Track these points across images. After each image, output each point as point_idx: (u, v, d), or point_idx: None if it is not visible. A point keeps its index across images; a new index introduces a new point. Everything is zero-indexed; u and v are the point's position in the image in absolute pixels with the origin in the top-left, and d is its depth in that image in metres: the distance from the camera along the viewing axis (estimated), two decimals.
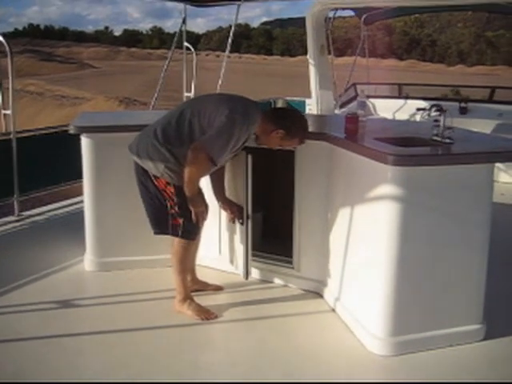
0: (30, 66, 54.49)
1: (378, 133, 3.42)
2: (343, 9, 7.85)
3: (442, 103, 3.36)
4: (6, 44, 4.99)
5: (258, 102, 3.39)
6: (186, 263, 3.39)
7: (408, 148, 2.95)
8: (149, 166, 3.21)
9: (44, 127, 5.81)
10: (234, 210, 3.60)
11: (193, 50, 7.26)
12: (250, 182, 3.44)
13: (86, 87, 39.04)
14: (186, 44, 7.16)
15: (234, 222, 3.66)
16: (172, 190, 3.20)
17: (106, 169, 3.90)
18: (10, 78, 5.08)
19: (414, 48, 68.41)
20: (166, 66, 7.14)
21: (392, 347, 2.94)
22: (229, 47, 7.56)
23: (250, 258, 3.60)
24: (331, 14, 7.85)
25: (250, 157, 3.38)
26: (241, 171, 3.46)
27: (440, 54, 66.64)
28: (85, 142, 3.90)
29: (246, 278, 3.65)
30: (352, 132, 3.35)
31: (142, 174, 3.26)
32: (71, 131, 3.86)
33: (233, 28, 7.63)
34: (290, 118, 3.30)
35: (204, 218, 3.32)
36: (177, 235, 3.30)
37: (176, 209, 3.24)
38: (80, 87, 39.50)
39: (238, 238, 3.69)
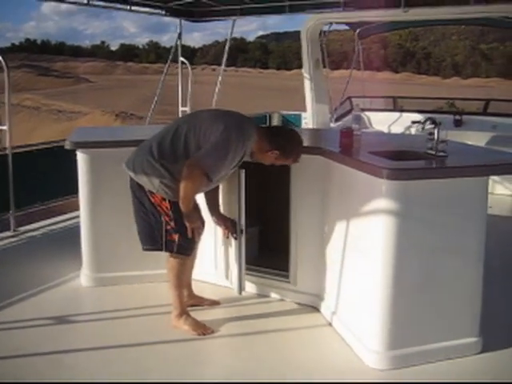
0: (26, 80, 54.62)
1: (373, 146, 3.44)
2: (337, 23, 7.92)
3: (437, 116, 3.39)
4: (1, 59, 5.02)
5: (252, 117, 3.40)
6: (183, 278, 3.39)
7: (402, 162, 2.96)
8: (144, 181, 3.21)
9: (40, 142, 5.81)
10: (228, 225, 3.59)
11: (188, 64, 7.31)
12: (243, 197, 3.44)
13: (83, 102, 39.11)
14: (181, 58, 7.21)
15: (228, 237, 3.66)
16: (167, 206, 3.20)
17: (102, 184, 3.90)
18: (7, 93, 5.10)
19: (409, 61, 68.84)
20: (161, 81, 7.20)
21: (389, 361, 2.94)
22: (224, 61, 7.62)
23: (243, 272, 3.58)
24: (326, 28, 7.92)
25: (242, 172, 3.38)
26: (234, 186, 3.47)
27: (435, 66, 67.09)
28: (80, 157, 3.91)
29: (240, 292, 3.62)
30: (347, 146, 3.37)
31: (138, 190, 3.27)
32: (67, 147, 3.87)
33: (228, 42, 7.70)
34: (285, 138, 3.31)
35: (200, 234, 3.33)
36: (172, 251, 3.29)
37: (172, 224, 3.23)
38: (76, 101, 39.58)
39: (233, 252, 3.69)
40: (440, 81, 57.74)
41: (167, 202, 3.19)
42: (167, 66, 7.22)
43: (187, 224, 3.19)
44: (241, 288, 3.61)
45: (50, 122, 32.50)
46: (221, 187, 3.62)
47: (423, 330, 2.98)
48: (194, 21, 7.11)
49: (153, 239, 3.33)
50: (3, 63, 5.03)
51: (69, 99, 41.58)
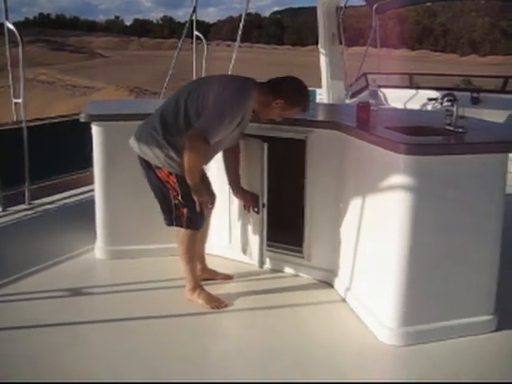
0: (41, 55, 54.60)
1: (390, 122, 3.39)
2: None
3: (454, 93, 3.32)
4: (17, 33, 5.00)
5: (252, 78, 3.27)
6: (193, 252, 3.38)
7: (421, 137, 2.92)
8: (150, 156, 3.19)
9: (54, 116, 5.81)
10: (249, 199, 3.53)
11: (203, 39, 7.23)
12: (266, 171, 3.39)
13: (97, 77, 39.08)
14: (196, 33, 7.12)
15: (248, 210, 3.61)
16: (174, 180, 3.17)
17: (117, 157, 3.90)
18: (21, 67, 5.09)
19: (425, 38, 67.77)
20: (175, 56, 7.12)
21: (403, 337, 2.93)
22: (239, 36, 7.51)
23: (264, 246, 3.55)
24: (342, 3, 7.78)
25: (265, 145, 3.33)
26: (254, 160, 3.43)
27: (452, 43, 66.02)
28: (95, 130, 3.90)
29: (261, 266, 3.59)
30: (363, 121, 3.32)
31: (145, 166, 3.26)
32: (82, 119, 3.87)
33: (243, 17, 7.59)
34: (288, 86, 3.16)
35: (208, 207, 3.29)
36: (181, 225, 3.29)
37: (179, 199, 3.21)
38: (91, 77, 39.55)
39: (248, 226, 3.68)
40: (457, 58, 56.85)
41: (174, 175, 3.16)
42: (181, 40, 7.13)
43: (195, 198, 3.16)
44: (262, 262, 3.58)
45: (64, 97, 32.58)
46: (241, 161, 3.58)
47: (437, 307, 2.97)
48: None
49: (167, 214, 3.33)
50: (18, 38, 5.01)
51: (83, 74, 41.57)
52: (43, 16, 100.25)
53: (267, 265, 3.84)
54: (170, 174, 3.17)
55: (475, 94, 7.57)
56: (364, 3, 8.90)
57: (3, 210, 5.08)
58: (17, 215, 5.03)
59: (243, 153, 3.55)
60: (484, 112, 6.17)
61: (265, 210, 3.46)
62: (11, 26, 4.98)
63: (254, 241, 3.59)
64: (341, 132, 3.37)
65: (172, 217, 3.30)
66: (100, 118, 3.89)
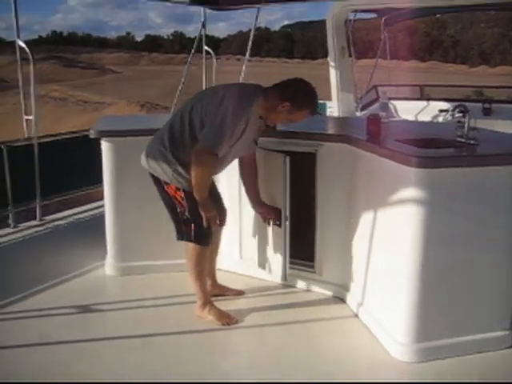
0: (53, 72, 55.23)
1: (401, 134, 3.36)
2: (363, 11, 7.77)
3: (465, 104, 3.29)
4: (28, 51, 5.04)
5: (258, 84, 3.21)
6: (202, 268, 3.35)
7: (431, 149, 2.89)
8: (159, 172, 3.18)
9: (65, 132, 5.84)
10: (270, 212, 3.47)
11: (212, 53, 7.25)
12: (288, 184, 3.34)
13: (108, 92, 39.42)
14: (205, 48, 7.15)
15: (269, 223, 3.54)
16: (182, 195, 3.16)
17: (127, 173, 3.89)
18: (32, 84, 5.13)
19: (435, 49, 67.73)
20: (185, 70, 7.14)
21: (416, 353, 2.88)
22: (249, 50, 7.52)
23: (287, 260, 3.50)
24: (352, 16, 7.78)
25: (287, 159, 3.30)
26: (275, 173, 3.39)
27: (462, 54, 65.90)
28: (105, 146, 3.90)
29: (284, 279, 3.55)
30: (374, 134, 3.29)
31: (155, 182, 3.25)
32: (91, 135, 3.87)
33: (252, 31, 7.61)
34: (294, 88, 3.06)
35: (216, 223, 3.24)
36: (190, 240, 3.26)
37: (187, 214, 3.20)
38: (102, 92, 39.90)
39: (267, 240, 3.63)
40: (467, 69, 56.73)
41: (181, 191, 3.14)
42: (191, 55, 7.16)
43: (202, 213, 3.12)
44: (285, 276, 3.53)
45: (76, 113, 32.86)
46: (260, 175, 3.51)
47: (451, 323, 2.92)
48: (217, 9, 7.02)
49: (177, 229, 3.32)
50: (29, 55, 5.06)
51: (94, 90, 41.94)
52: (55, 34, 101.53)
53: (279, 280, 3.80)
54: (178, 189, 3.16)
55: (487, 105, 7.51)
56: (373, 16, 8.88)
57: (14, 226, 5.09)
58: (28, 231, 5.03)
59: (263, 167, 3.50)
60: (496, 123, 6.11)
61: (287, 223, 3.42)
62: (22, 44, 5.03)
63: (275, 255, 3.54)
64: (351, 145, 3.35)
65: (182, 231, 3.28)
66: (109, 134, 3.89)
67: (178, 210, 3.23)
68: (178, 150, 3.11)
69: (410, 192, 2.79)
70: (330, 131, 3.42)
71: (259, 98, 3.07)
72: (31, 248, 4.63)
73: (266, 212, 3.50)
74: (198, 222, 3.19)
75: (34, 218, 5.28)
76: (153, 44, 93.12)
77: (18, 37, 5.01)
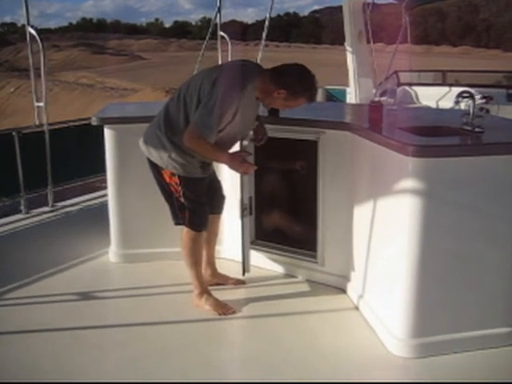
0: (82, 59, 55.76)
1: (406, 122, 3.25)
2: None
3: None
4: (38, 39, 5.06)
5: (255, 65, 3.14)
6: (197, 256, 3.31)
7: (430, 138, 2.76)
8: (155, 157, 3.14)
9: (77, 119, 5.85)
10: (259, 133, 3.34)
11: (228, 39, 7.18)
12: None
13: (136, 78, 39.65)
14: (220, 33, 7.09)
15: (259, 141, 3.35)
16: (177, 181, 3.12)
17: (129, 160, 3.86)
18: (43, 72, 5.15)
19: (468, 34, 66.20)
20: (200, 56, 7.10)
21: (413, 349, 2.79)
22: (264, 36, 7.42)
23: (248, 252, 3.51)
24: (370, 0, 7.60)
25: (248, 143, 3.26)
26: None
27: (496, 39, 64.24)
28: (107, 133, 3.88)
29: (244, 274, 3.54)
30: (376, 121, 3.17)
31: (152, 167, 3.21)
32: (94, 123, 3.85)
33: (268, 16, 7.50)
34: (291, 75, 2.94)
35: (252, 169, 3.10)
36: (185, 225, 3.24)
37: (181, 200, 3.17)
38: (129, 79, 40.15)
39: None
40: (501, 54, 55.27)
41: (176, 177, 3.11)
42: (206, 40, 7.11)
43: (237, 171, 3.09)
44: (245, 269, 3.52)
45: (102, 99, 33.13)
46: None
47: (451, 318, 2.81)
48: None
49: (173, 214, 3.30)
50: (39, 42, 5.07)
51: (122, 76, 42.24)
52: (85, 20, 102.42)
53: (280, 269, 3.75)
54: (173, 174, 3.12)
55: (511, 91, 7.28)
56: (394, 1, 8.65)
57: (26, 213, 5.14)
58: (39, 217, 5.09)
59: None
60: None
61: (246, 213, 3.40)
62: (33, 32, 5.04)
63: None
64: (353, 133, 3.25)
65: (178, 216, 3.26)
66: (111, 121, 3.87)
67: (174, 195, 3.19)
68: (174, 134, 3.05)
69: (409, 182, 2.68)
70: (333, 118, 3.32)
71: (255, 80, 2.98)
72: (40, 234, 4.67)
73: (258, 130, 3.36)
74: (192, 208, 3.16)
75: (46, 205, 5.32)
76: (181, 30, 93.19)
77: (29, 24, 5.03)
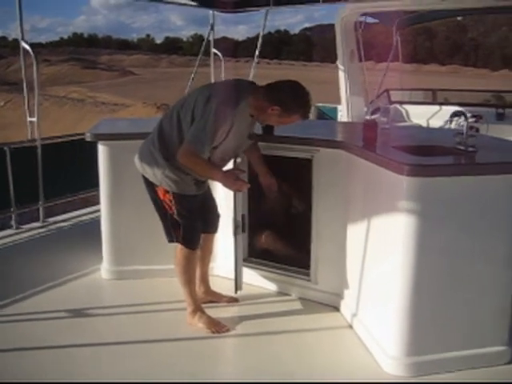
0: (73, 73, 55.74)
1: (400, 141, 3.28)
2: (373, 14, 7.63)
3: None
4: (31, 53, 5.06)
5: (248, 82, 3.17)
6: (191, 274, 3.30)
7: (425, 157, 2.78)
8: (149, 174, 3.15)
9: (69, 134, 5.84)
10: (267, 182, 3.43)
11: (221, 55, 7.23)
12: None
13: (126, 94, 39.66)
14: (213, 50, 7.14)
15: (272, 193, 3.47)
16: (170, 198, 3.12)
17: (123, 176, 3.86)
18: (36, 86, 5.15)
19: (456, 53, 67.03)
20: (193, 73, 7.13)
21: (408, 368, 2.78)
22: (257, 53, 7.47)
23: (241, 269, 3.50)
24: (362, 19, 7.68)
25: (238, 159, 3.26)
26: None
27: (483, 58, 65.09)
28: (101, 149, 3.88)
29: (236, 291, 3.52)
30: (370, 140, 3.20)
31: (147, 184, 3.22)
32: (88, 139, 3.85)
33: (261, 33, 7.55)
34: (285, 92, 2.96)
35: (246, 187, 3.14)
36: (178, 242, 3.23)
37: (175, 217, 3.16)
38: (120, 94, 40.17)
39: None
40: (488, 73, 55.99)
41: (170, 194, 3.11)
42: (199, 57, 7.15)
43: (230, 189, 3.12)
44: (237, 287, 3.51)
45: (93, 114, 33.08)
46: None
47: (445, 337, 2.81)
48: (226, 11, 7.01)
49: (167, 231, 3.29)
50: (32, 56, 5.08)
51: (113, 92, 42.25)
52: (77, 35, 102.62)
53: (273, 287, 3.74)
54: (167, 192, 3.12)
55: (500, 110, 7.36)
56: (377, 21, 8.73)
57: (17, 228, 5.10)
58: (30, 233, 5.05)
59: None
60: (509, 128, 5.97)
61: (239, 231, 3.41)
62: (27, 46, 5.05)
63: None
64: (347, 152, 3.27)
65: (171, 234, 3.25)
66: (105, 137, 3.86)
67: (168, 212, 3.18)
68: (168, 151, 3.06)
69: (403, 201, 2.70)
70: (328, 137, 3.34)
71: (248, 97, 3.00)
72: (31, 250, 4.63)
73: (272, 184, 3.43)
74: (186, 226, 3.16)
75: (37, 220, 5.28)
76: (172, 46, 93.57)
77: (23, 38, 5.03)
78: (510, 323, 2.88)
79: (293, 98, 2.96)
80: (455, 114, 3.12)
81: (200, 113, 2.92)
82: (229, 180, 3.04)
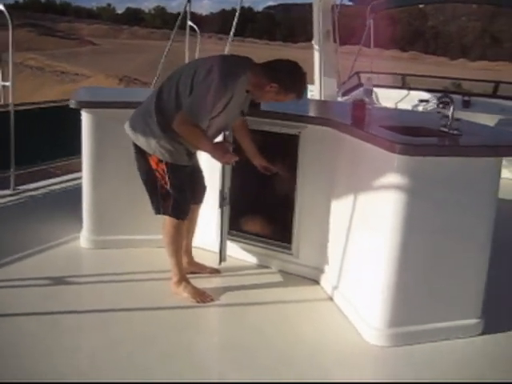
0: (30, 40, 53.72)
1: (385, 121, 3.37)
2: None
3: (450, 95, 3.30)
4: (7, 15, 4.90)
5: (248, 58, 3.18)
6: (178, 244, 3.32)
7: (416, 137, 2.89)
8: (142, 142, 3.15)
9: (43, 101, 5.72)
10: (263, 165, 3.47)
11: (197, 30, 7.15)
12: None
13: (87, 64, 38.65)
14: (190, 24, 7.04)
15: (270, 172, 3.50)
16: (164, 168, 3.13)
17: (107, 145, 3.84)
18: (10, 49, 5.00)
19: (417, 40, 67.95)
20: (168, 46, 7.02)
21: (389, 338, 2.91)
22: (233, 30, 7.41)
23: (225, 241, 3.56)
24: (338, 1, 7.74)
25: (227, 133, 3.31)
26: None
27: (443, 47, 66.22)
28: (85, 117, 3.83)
29: (220, 263, 3.58)
30: (359, 119, 3.29)
31: (137, 152, 3.21)
32: (72, 106, 3.79)
33: (238, 12, 7.49)
34: (285, 71, 3.05)
35: (235, 159, 3.14)
36: (168, 214, 3.24)
37: (166, 187, 3.17)
38: (80, 64, 39.10)
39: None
40: (447, 61, 57.08)
41: (164, 163, 3.12)
42: (174, 30, 7.03)
43: (219, 161, 3.15)
44: (221, 258, 3.57)
45: (53, 83, 32.17)
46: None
47: (425, 309, 2.95)
48: None
49: (155, 203, 3.29)
50: (8, 19, 4.92)
51: (72, 61, 41.07)
52: (33, 0, 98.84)
53: (255, 260, 3.81)
54: (161, 161, 3.13)
55: (466, 98, 7.59)
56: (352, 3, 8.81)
57: None
58: (1, 200, 4.94)
59: None
60: (474, 115, 6.17)
61: (226, 202, 3.46)
62: (1, 7, 4.89)
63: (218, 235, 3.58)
64: (335, 129, 3.34)
65: (159, 205, 3.26)
66: (90, 105, 3.82)
67: (158, 182, 3.19)
68: (165, 121, 3.06)
69: (393, 178, 2.80)
70: (314, 114, 3.40)
71: (247, 72, 3.04)
72: (3, 218, 4.55)
73: (266, 166, 3.47)
74: (177, 196, 3.18)
75: (8, 188, 5.18)
76: (134, 17, 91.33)
77: None
78: (483, 298, 3.04)
79: (292, 77, 3.05)
80: (442, 100, 3.22)
81: (200, 82, 2.94)
82: (218, 152, 3.08)
